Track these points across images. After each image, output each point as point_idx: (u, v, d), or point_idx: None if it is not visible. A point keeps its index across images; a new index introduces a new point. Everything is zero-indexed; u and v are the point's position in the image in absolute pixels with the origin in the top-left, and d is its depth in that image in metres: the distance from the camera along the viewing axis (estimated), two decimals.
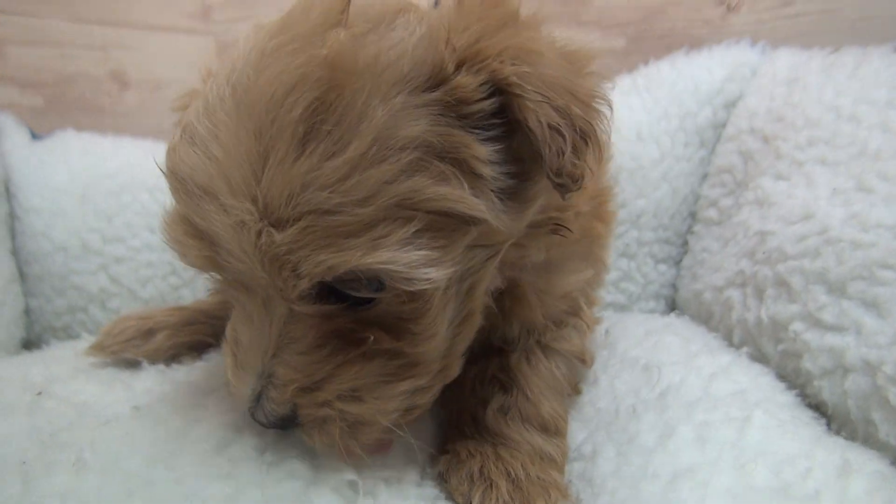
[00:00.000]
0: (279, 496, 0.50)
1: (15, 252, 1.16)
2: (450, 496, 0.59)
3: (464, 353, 0.61)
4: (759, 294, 0.83)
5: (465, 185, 0.48)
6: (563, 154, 0.48)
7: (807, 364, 0.73)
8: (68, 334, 1.17)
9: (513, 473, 0.59)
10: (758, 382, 0.74)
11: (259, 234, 0.46)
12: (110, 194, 1.19)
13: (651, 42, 1.40)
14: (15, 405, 0.63)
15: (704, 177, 1.19)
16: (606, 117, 0.54)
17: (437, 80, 0.48)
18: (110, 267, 1.17)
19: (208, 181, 0.47)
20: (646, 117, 1.20)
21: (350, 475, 0.54)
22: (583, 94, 0.51)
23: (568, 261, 0.69)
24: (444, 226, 0.48)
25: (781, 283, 0.80)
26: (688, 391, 0.69)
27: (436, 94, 0.48)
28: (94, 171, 1.20)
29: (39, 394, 0.65)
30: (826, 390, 0.71)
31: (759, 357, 0.81)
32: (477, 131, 0.49)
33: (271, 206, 0.45)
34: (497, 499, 0.57)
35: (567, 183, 0.49)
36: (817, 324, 0.73)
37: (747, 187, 1.01)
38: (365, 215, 0.45)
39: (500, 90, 0.48)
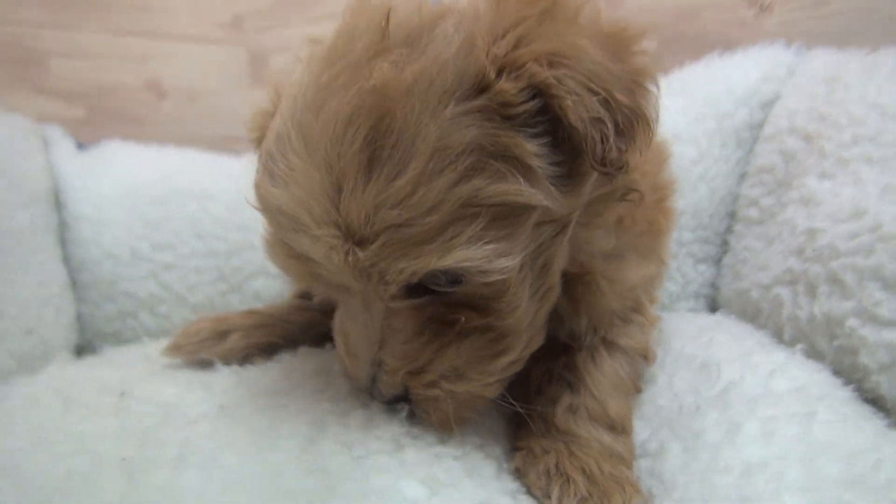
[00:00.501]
0: (371, 489, 0.52)
1: (65, 260, 1.19)
2: (528, 490, 0.61)
3: (546, 322, 0.65)
4: (811, 291, 0.84)
5: (521, 179, 0.51)
6: (607, 142, 0.50)
7: (864, 359, 0.74)
8: (118, 339, 1.19)
9: (587, 469, 0.61)
10: (815, 379, 0.74)
11: (346, 253, 0.51)
12: (158, 202, 1.21)
13: (683, 44, 1.41)
14: (99, 406, 0.65)
15: (742, 177, 1.20)
16: (655, 94, 0.55)
17: (480, 87, 0.50)
18: (159, 273, 1.19)
19: (294, 214, 0.52)
20: (682, 119, 1.21)
21: (435, 469, 0.56)
22: (627, 77, 0.53)
23: (634, 252, 0.71)
24: (507, 215, 0.52)
25: (834, 280, 0.81)
26: (748, 388, 0.70)
27: (480, 101, 0.50)
28: (141, 180, 1.23)
29: (122, 394, 0.67)
30: (885, 385, 0.72)
31: (813, 354, 0.82)
32: (524, 129, 0.52)
33: (352, 229, 0.50)
34: (575, 493, 0.58)
35: (611, 170, 0.52)
36: (873, 319, 0.74)
37: (790, 186, 1.02)
38: (434, 222, 0.49)
39: (540, 92, 0.50)
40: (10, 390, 0.76)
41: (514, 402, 0.63)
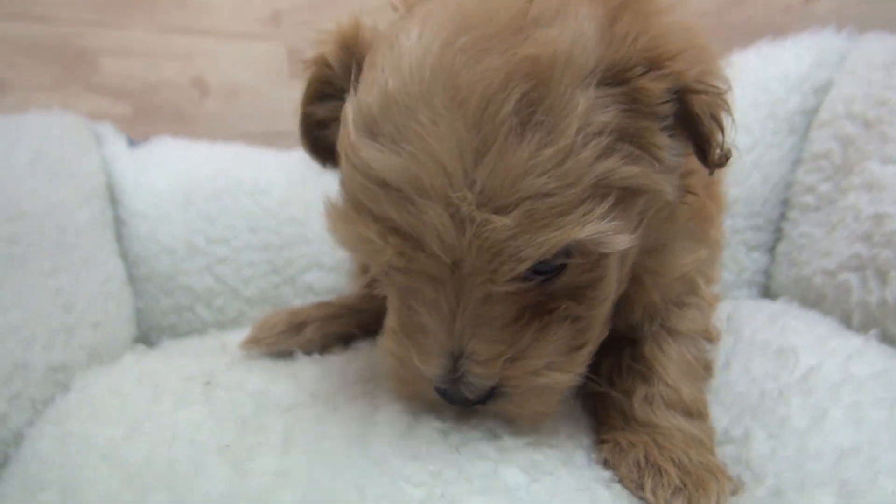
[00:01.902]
0: (474, 475, 0.53)
1: (122, 255, 1.20)
2: (619, 480, 0.61)
3: (610, 318, 0.65)
4: (882, 276, 0.84)
5: (653, 164, 0.54)
6: (722, 138, 0.55)
7: None
8: (175, 333, 1.21)
9: (677, 459, 0.61)
10: (893, 363, 0.74)
11: (479, 222, 0.48)
12: (211, 197, 1.23)
13: (730, 31, 1.40)
14: (188, 395, 0.66)
15: (795, 163, 1.19)
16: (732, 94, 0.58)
17: (622, 78, 0.52)
18: (214, 267, 1.21)
19: (418, 174, 0.49)
20: (734, 106, 1.20)
21: (535, 455, 0.56)
22: (723, 78, 0.57)
23: (679, 241, 0.71)
24: (625, 197, 0.53)
25: None
26: (829, 374, 0.70)
27: (622, 89, 0.52)
28: (194, 176, 1.24)
29: (208, 383, 0.68)
30: None
31: (886, 338, 0.82)
32: (657, 120, 0.54)
33: (492, 193, 0.48)
34: (668, 484, 0.58)
35: (723, 163, 0.56)
36: None
37: (851, 172, 1.01)
38: (574, 195, 0.49)
39: (682, 91, 0.53)
40: (90, 381, 0.78)
41: (598, 381, 0.64)
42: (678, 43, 0.53)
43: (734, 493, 0.60)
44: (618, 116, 0.52)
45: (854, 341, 0.78)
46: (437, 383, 0.58)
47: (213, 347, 0.86)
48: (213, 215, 1.22)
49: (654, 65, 0.52)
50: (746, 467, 0.63)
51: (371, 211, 0.53)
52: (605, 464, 0.64)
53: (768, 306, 1.01)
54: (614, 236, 0.52)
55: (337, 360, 0.74)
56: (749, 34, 1.37)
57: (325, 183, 1.29)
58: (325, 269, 1.25)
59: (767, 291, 1.20)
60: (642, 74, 0.52)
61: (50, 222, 1.00)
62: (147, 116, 1.58)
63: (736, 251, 1.21)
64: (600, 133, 0.50)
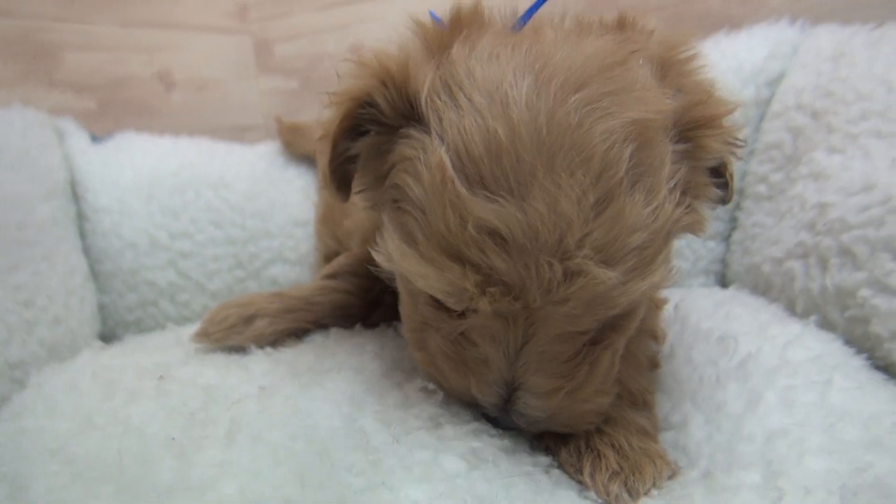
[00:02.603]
0: (414, 463, 0.55)
1: (86, 251, 1.21)
2: (560, 466, 0.64)
3: None
4: (823, 263, 0.86)
5: (703, 213, 0.62)
6: (732, 187, 0.64)
7: (876, 328, 0.76)
8: (140, 328, 1.22)
9: (616, 444, 0.63)
10: (830, 348, 0.77)
11: (590, 276, 0.51)
12: (175, 192, 1.24)
13: (689, 23, 1.43)
14: (140, 390, 0.67)
15: (749, 154, 1.22)
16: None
17: (688, 136, 0.59)
18: (178, 262, 1.22)
19: (538, 229, 0.50)
20: None
21: (474, 443, 0.58)
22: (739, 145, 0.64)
23: None
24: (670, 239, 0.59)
25: (846, 253, 0.83)
26: (766, 359, 0.72)
27: (687, 146, 0.59)
28: (158, 171, 1.25)
29: (161, 378, 0.69)
30: None
31: (826, 324, 0.84)
32: (708, 174, 0.62)
33: (604, 249, 0.51)
34: (606, 468, 0.61)
35: (729, 203, 0.66)
36: (885, 289, 0.77)
37: (800, 162, 1.04)
38: (658, 246, 0.55)
39: (728, 149, 0.62)
40: (48, 377, 0.79)
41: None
42: (726, 105, 0.62)
43: (671, 477, 0.63)
44: (683, 171, 0.58)
45: (793, 327, 0.81)
46: (490, 412, 0.61)
47: (170, 341, 0.87)
48: (177, 210, 1.23)
49: (712, 125, 0.59)
50: (683, 452, 0.66)
51: (472, 262, 0.52)
52: (547, 451, 0.66)
53: (717, 294, 1.03)
54: (671, 275, 0.58)
55: (289, 353, 0.75)
56: (707, 26, 1.40)
57: (289, 178, 1.31)
58: (289, 263, 1.26)
59: (724, 279, 1.23)
60: (705, 134, 0.59)
61: (10, 218, 1.00)
62: (112, 111, 1.57)
63: (693, 240, 1.23)
64: (675, 188, 0.56)
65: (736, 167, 0.65)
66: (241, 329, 0.81)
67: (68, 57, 1.49)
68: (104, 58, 1.55)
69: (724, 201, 0.65)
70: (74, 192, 1.23)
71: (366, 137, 0.63)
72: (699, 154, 0.59)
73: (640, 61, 0.58)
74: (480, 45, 0.58)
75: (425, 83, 0.57)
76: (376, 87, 0.59)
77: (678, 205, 0.56)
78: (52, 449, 0.60)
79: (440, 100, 0.56)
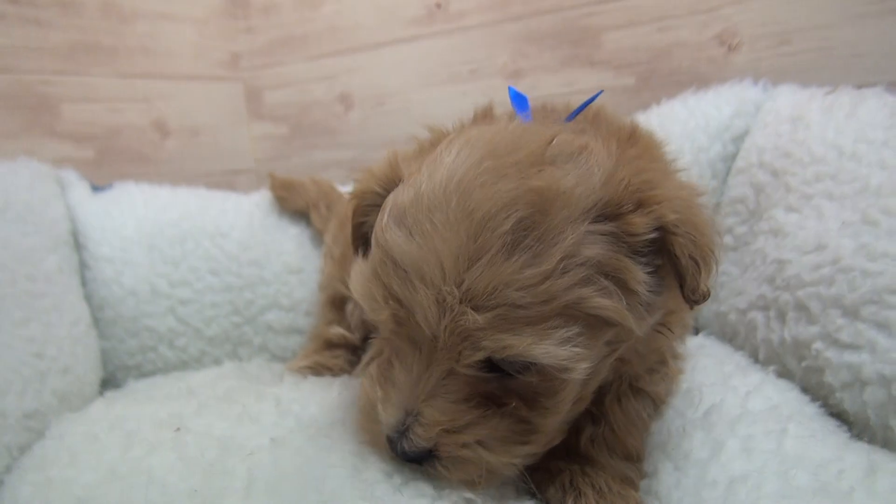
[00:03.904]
0: None
1: (87, 298, 1.26)
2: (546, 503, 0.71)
3: (565, 430, 0.72)
4: (782, 316, 0.94)
5: (623, 300, 0.60)
6: (698, 279, 0.61)
7: (828, 378, 0.84)
8: (140, 372, 1.27)
9: (597, 485, 0.70)
10: (787, 397, 0.85)
11: (457, 312, 0.57)
12: (175, 242, 1.29)
13: (660, 80, 1.52)
14: (158, 441, 0.73)
15: (717, 206, 1.30)
16: (720, 243, 0.66)
17: (613, 215, 0.60)
18: (177, 308, 1.28)
19: (421, 264, 0.58)
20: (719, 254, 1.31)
21: (467, 494, 0.64)
22: (708, 229, 0.64)
23: (654, 332, 0.78)
24: (593, 325, 0.60)
25: (801, 307, 0.91)
26: (728, 409, 0.80)
27: (610, 226, 0.60)
28: (158, 221, 1.31)
29: (178, 430, 0.75)
30: (847, 401, 0.82)
31: (784, 373, 0.92)
32: (637, 257, 0.61)
33: (474, 294, 0.57)
34: None
35: (699, 299, 0.62)
36: (835, 343, 0.84)
37: (761, 217, 1.12)
38: (543, 312, 0.57)
39: (662, 229, 0.61)
40: (67, 428, 0.84)
41: (528, 480, 0.72)
42: (668, 192, 0.62)
43: None
44: (602, 252, 0.59)
45: (753, 378, 0.89)
46: (387, 431, 0.66)
47: (180, 390, 0.93)
48: (177, 259, 1.29)
49: (641, 205, 0.61)
50: (655, 497, 0.72)
51: (381, 279, 0.62)
52: (537, 489, 0.72)
53: (688, 342, 1.11)
54: (574, 362, 0.59)
55: (294, 406, 0.82)
56: (676, 84, 1.49)
57: (283, 226, 1.38)
58: (283, 309, 1.33)
59: (695, 325, 1.31)
60: (630, 212, 0.60)
61: (21, 272, 1.06)
62: (110, 160, 1.63)
63: None
64: (582, 265, 0.58)
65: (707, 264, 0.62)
66: None
67: (68, 108, 1.55)
68: (101, 108, 1.62)
69: (691, 300, 0.63)
70: (76, 242, 1.28)
71: (372, 216, 0.74)
72: (624, 234, 0.60)
73: (594, 156, 0.63)
74: (465, 132, 0.68)
75: (409, 169, 0.69)
76: (380, 181, 0.73)
77: (586, 283, 0.58)
78: (79, 498, 0.66)
79: (413, 173, 0.66)
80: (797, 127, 1.15)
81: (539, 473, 0.73)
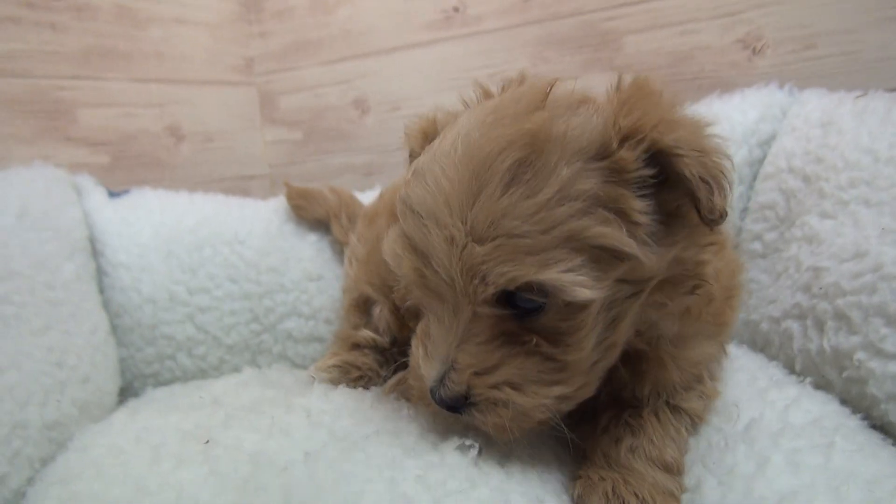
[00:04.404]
0: None
1: (104, 305, 1.24)
2: None
3: (601, 377, 0.73)
4: (820, 326, 0.92)
5: (623, 228, 0.62)
6: (712, 196, 0.62)
7: (872, 389, 0.82)
8: (157, 380, 1.26)
9: (640, 495, 0.69)
10: (827, 410, 0.83)
11: (463, 247, 0.61)
12: (193, 249, 1.28)
13: (682, 84, 1.50)
14: (187, 455, 0.71)
15: (743, 211, 1.28)
16: (730, 166, 0.66)
17: (605, 153, 0.63)
18: (196, 316, 1.26)
19: (432, 206, 0.64)
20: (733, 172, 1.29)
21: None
22: (716, 151, 0.65)
23: (699, 338, 0.80)
24: (601, 259, 0.62)
25: (841, 317, 0.89)
26: (769, 423, 0.78)
27: (604, 163, 0.62)
28: (177, 228, 1.29)
29: (207, 442, 0.73)
30: (892, 413, 0.80)
31: (823, 384, 0.90)
32: (634, 189, 0.63)
33: (476, 227, 0.61)
34: None
35: (716, 218, 0.63)
36: (879, 353, 0.82)
37: (793, 224, 1.10)
38: (544, 241, 0.60)
39: (660, 153, 0.62)
40: (90, 440, 0.82)
41: (563, 426, 0.70)
42: (655, 116, 0.62)
43: None
44: (598, 185, 0.61)
45: (790, 391, 0.86)
46: (429, 384, 0.69)
47: (203, 400, 0.91)
48: (195, 266, 1.27)
49: (630, 135, 0.62)
50: None
51: (404, 231, 0.68)
52: (579, 499, 0.71)
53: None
54: (575, 287, 0.60)
55: (326, 417, 0.79)
56: (699, 88, 1.48)
57: (301, 233, 1.36)
58: (303, 317, 1.30)
59: None
60: (620, 146, 0.62)
61: (39, 279, 1.04)
62: (124, 165, 1.62)
63: None
64: (578, 197, 0.60)
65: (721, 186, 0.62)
66: None
67: (83, 113, 1.53)
68: (116, 113, 1.60)
69: (709, 220, 0.63)
70: (94, 248, 1.26)
71: None
72: (618, 167, 0.62)
73: (593, 107, 0.66)
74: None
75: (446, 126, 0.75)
76: (417, 138, 0.80)
77: (583, 214, 0.60)
78: None
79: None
80: (828, 132, 1.12)
81: (581, 482, 0.72)
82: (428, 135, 0.78)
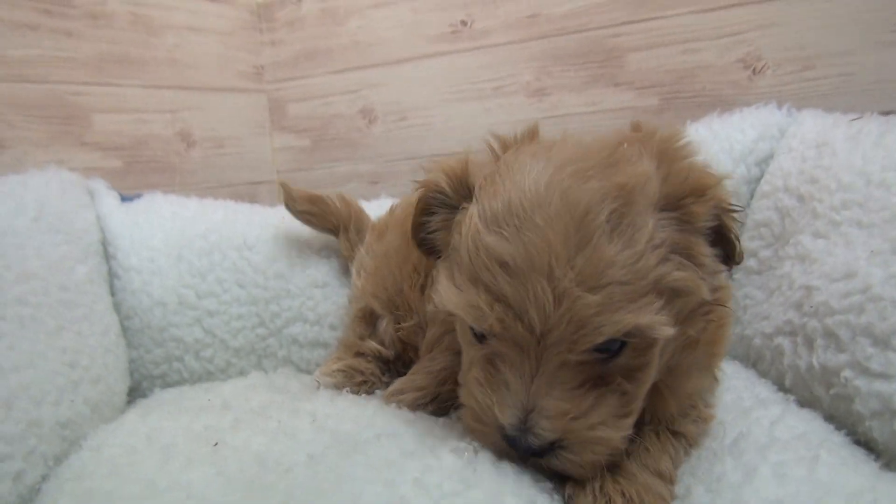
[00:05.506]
0: None
1: (115, 307, 1.27)
2: None
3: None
4: (810, 343, 0.95)
5: (697, 272, 0.70)
6: (738, 248, 0.75)
7: (858, 407, 0.85)
8: (164, 382, 1.29)
9: (628, 494, 0.72)
10: (812, 426, 0.86)
11: (575, 298, 0.63)
12: (203, 254, 1.31)
13: (683, 101, 1.54)
14: (196, 455, 0.74)
15: (740, 228, 1.31)
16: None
17: (676, 205, 0.70)
18: (204, 320, 1.29)
19: (533, 256, 0.65)
20: None
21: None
22: (732, 209, 0.75)
23: (693, 369, 0.84)
24: (670, 297, 0.68)
25: (830, 335, 0.91)
26: (756, 438, 0.81)
27: (675, 214, 0.70)
28: (187, 233, 1.33)
29: (216, 444, 0.76)
30: (876, 430, 0.82)
31: (811, 399, 0.93)
32: (702, 237, 0.72)
33: (586, 276, 0.64)
34: None
35: (740, 261, 0.77)
36: (866, 372, 0.85)
37: (787, 242, 1.13)
38: (641, 287, 0.65)
39: (721, 211, 0.72)
40: (103, 439, 0.85)
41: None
42: (712, 179, 0.73)
43: None
44: (673, 234, 0.68)
45: (774, 409, 0.90)
46: (509, 431, 0.71)
47: (212, 402, 0.94)
48: (204, 270, 1.30)
49: (699, 194, 0.70)
50: None
51: (485, 284, 0.68)
52: (569, 499, 0.74)
53: None
54: (663, 327, 0.66)
55: (329, 422, 0.83)
56: (699, 106, 1.51)
57: (308, 240, 1.39)
58: (308, 322, 1.34)
59: None
60: (692, 202, 0.70)
61: (53, 280, 1.07)
62: (136, 169, 1.65)
63: None
64: (660, 245, 0.67)
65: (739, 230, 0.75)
66: None
67: (97, 118, 1.57)
68: (129, 119, 1.64)
69: (733, 262, 0.76)
70: (106, 251, 1.30)
71: (437, 216, 0.83)
72: (688, 219, 0.70)
73: (636, 148, 0.73)
74: (523, 149, 0.78)
75: (480, 177, 0.76)
76: (446, 179, 0.80)
77: (665, 260, 0.67)
78: None
79: (487, 183, 0.74)
80: (823, 153, 1.15)
81: (572, 482, 0.75)
82: (460, 179, 0.80)
